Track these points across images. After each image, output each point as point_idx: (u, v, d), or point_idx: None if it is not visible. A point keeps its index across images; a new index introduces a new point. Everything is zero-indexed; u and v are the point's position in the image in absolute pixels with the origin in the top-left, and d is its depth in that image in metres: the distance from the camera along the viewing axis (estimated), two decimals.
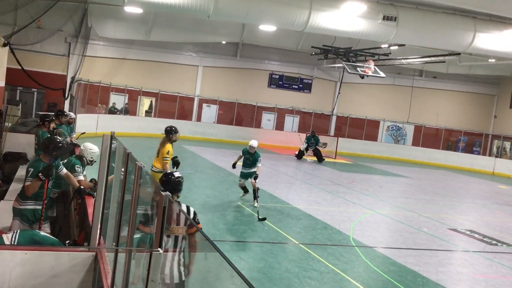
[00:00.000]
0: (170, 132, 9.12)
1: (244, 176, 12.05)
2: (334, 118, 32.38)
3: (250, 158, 11.84)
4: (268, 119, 31.35)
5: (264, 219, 10.31)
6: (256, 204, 11.37)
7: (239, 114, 30.54)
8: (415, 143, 32.74)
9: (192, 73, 29.99)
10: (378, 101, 32.94)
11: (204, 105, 30.36)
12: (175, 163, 8.87)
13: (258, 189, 11.54)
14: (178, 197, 5.06)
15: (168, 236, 3.83)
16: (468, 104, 33.94)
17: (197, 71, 30.02)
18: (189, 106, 30.07)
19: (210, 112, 30.36)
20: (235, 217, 10.32)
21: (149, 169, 8.70)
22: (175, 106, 29.46)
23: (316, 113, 31.95)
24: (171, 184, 4.95)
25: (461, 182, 23.14)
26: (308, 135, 25.11)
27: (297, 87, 31.66)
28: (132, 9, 19.38)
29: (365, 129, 32.29)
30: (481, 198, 18.53)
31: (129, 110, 28.02)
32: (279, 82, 31.29)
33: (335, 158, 26.32)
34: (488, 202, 17.54)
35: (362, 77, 22.98)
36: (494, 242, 10.77)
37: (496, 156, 32.15)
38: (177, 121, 28.27)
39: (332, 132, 32.00)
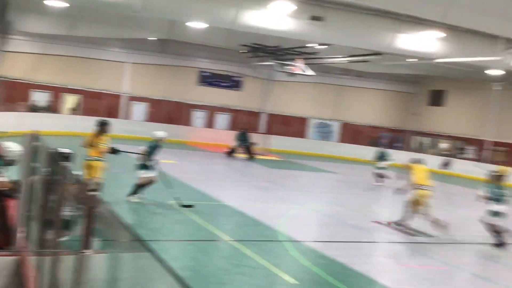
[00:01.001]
0: (104, 125, 10.25)
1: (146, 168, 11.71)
2: (264, 115, 32.71)
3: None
4: (198, 117, 31.16)
5: (190, 206, 10.72)
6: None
7: (169, 112, 30.12)
8: (342, 139, 33.79)
9: (119, 69, 29.20)
10: (306, 98, 33.64)
11: (133, 102, 29.67)
12: (114, 150, 10.14)
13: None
14: None
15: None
16: (390, 102, 35.45)
17: (125, 68, 29.27)
18: (116, 104, 29.27)
19: (140, 110, 29.72)
20: (165, 216, 10.18)
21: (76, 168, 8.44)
22: (101, 103, 28.57)
23: (247, 111, 32.14)
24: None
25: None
26: (238, 133, 25.22)
27: (227, 84, 31.67)
28: (55, 3, 18.59)
29: (294, 126, 32.88)
30: (403, 191, 19.40)
31: (53, 107, 26.85)
32: (209, 79, 31.16)
33: (265, 155, 26.60)
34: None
35: (291, 75, 23.39)
36: (415, 233, 11.33)
37: (416, 151, 33.79)
38: (103, 119, 27.43)
39: (263, 129, 32.33)
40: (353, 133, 34.09)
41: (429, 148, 34.72)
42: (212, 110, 31.42)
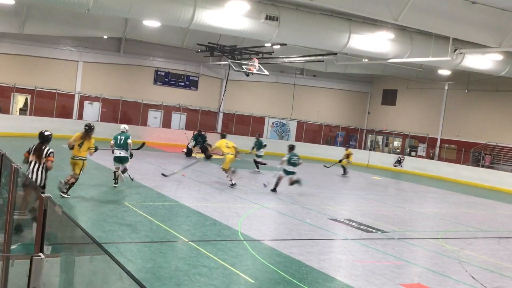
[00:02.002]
0: (91, 129, 11.55)
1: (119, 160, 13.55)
2: (221, 115, 32.68)
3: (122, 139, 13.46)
4: (154, 116, 30.81)
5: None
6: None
7: (124, 112, 29.63)
8: (298, 138, 34.19)
9: (72, 69, 28.49)
10: (263, 98, 33.84)
11: (86, 102, 29.02)
12: (96, 149, 11.68)
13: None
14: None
15: None
16: (345, 101, 36.15)
17: (77, 67, 28.59)
18: (69, 104, 28.55)
19: (92, 110, 29.10)
20: (121, 218, 10.03)
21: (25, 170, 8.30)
22: (54, 104, 27.80)
23: (203, 110, 32.02)
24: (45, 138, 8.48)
25: (339, 175, 24.57)
26: (195, 133, 25.11)
27: (183, 84, 31.46)
28: (1, 0, 17.96)
29: (251, 125, 33.01)
30: (358, 189, 19.86)
31: (2, 108, 25.93)
32: (165, 79, 30.87)
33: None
34: (364, 192, 18.83)
35: (247, 74, 23.43)
36: (369, 229, 11.62)
37: (370, 150, 34.62)
38: (56, 119, 26.74)
39: (219, 129, 32.29)
40: (309, 132, 34.55)
41: (383, 146, 35.59)
42: (168, 110, 31.13)
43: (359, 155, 32.35)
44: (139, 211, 10.68)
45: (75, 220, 2.95)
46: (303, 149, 31.36)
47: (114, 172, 13.49)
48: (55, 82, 27.79)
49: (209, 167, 21.29)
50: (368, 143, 36.34)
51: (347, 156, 24.34)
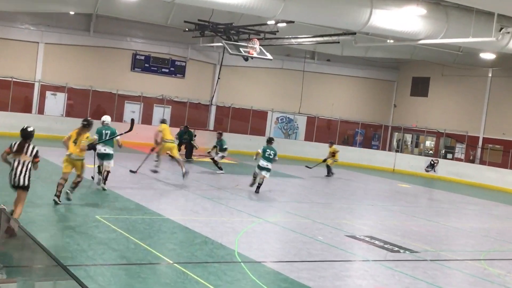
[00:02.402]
0: (90, 124, 12.44)
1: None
2: (213, 109, 32.69)
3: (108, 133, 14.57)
4: (132, 110, 30.82)
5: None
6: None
7: (95, 105, 29.66)
8: (308, 137, 34.21)
9: (31, 51, 28.51)
10: (265, 88, 33.85)
11: (48, 93, 29.04)
12: (93, 147, 12.72)
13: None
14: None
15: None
16: (366, 92, 36.16)
17: (38, 50, 28.60)
18: (28, 94, 28.57)
19: (56, 103, 29.10)
20: (92, 234, 10.03)
21: None
22: (9, 94, 27.80)
23: (192, 103, 32.03)
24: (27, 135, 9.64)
25: (359, 182, 24.58)
26: (180, 129, 25.12)
27: (167, 71, 31.47)
28: None
29: (250, 121, 33.02)
30: (381, 199, 19.86)
31: None
32: (145, 64, 30.88)
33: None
34: (388, 203, 18.84)
35: (246, 59, 23.44)
36: (395, 249, 11.62)
37: (397, 151, 34.64)
38: (12, 114, 26.76)
39: (211, 125, 32.30)
40: (322, 130, 34.56)
41: (412, 147, 35.59)
42: (149, 102, 31.15)
43: (382, 158, 32.37)
44: (114, 226, 10.68)
45: (35, 238, 2.96)
46: (314, 150, 31.38)
47: (99, 167, 14.91)
48: (10, 68, 27.78)
49: (198, 172, 21.30)
50: (394, 143, 36.34)
51: (333, 154, 24.48)
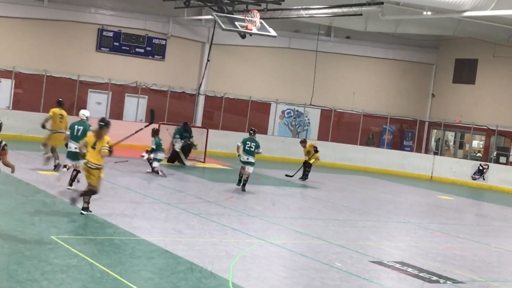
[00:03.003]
0: (108, 124, 13.39)
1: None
2: (201, 100, 32.64)
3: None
4: (98, 101, 30.78)
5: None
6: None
7: (50, 94, 29.60)
8: (323, 135, 34.13)
9: None
10: (267, 73, 33.79)
11: None
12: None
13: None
14: None
15: None
16: (396, 78, 36.08)
17: None
18: None
19: (1, 92, 29.05)
20: (46, 260, 9.98)
21: None
22: None
23: (174, 92, 31.98)
24: None
25: (387, 192, 24.50)
26: (179, 127, 25.09)
27: (143, 51, 31.41)
28: None
29: (249, 116, 32.94)
30: (416, 215, 19.79)
31: None
32: (114, 43, 30.82)
33: (204, 162, 26.54)
34: (425, 220, 18.76)
35: (243, 36, 23.40)
36: (434, 278, 11.55)
37: (435, 153, 34.57)
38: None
39: (199, 121, 32.25)
40: (340, 127, 34.50)
41: (455, 148, 35.50)
42: (119, 91, 31.11)
43: (417, 162, 32.31)
44: (74, 250, 10.62)
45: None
46: (330, 152, 31.34)
47: (74, 171, 15.83)
48: None
49: (183, 180, 21.24)
50: (432, 143, 36.30)
51: (308, 152, 24.14)
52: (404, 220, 18.25)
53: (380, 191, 24.60)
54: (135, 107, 31.21)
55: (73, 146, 15.80)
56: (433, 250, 14.16)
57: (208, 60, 30.82)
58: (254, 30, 21.58)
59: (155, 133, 21.60)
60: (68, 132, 16.15)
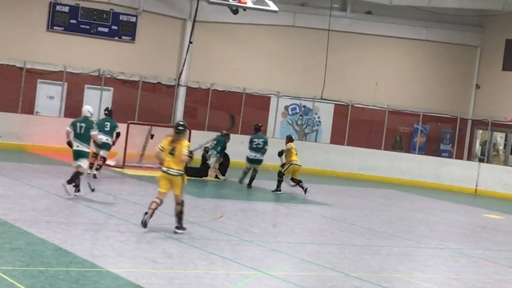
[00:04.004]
0: (186, 128, 15.26)
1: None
2: (182, 93, 32.63)
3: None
4: (50, 95, 30.78)
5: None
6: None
7: None
8: (337, 137, 34.10)
9: None
10: (266, 58, 33.81)
11: None
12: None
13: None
14: None
15: None
16: (430, 64, 36.12)
17: None
18: None
19: None
20: None
21: None
22: None
23: (147, 83, 31.97)
24: None
25: (419, 210, 24.52)
26: (220, 136, 25.59)
27: (107, 30, 31.41)
28: None
29: (242, 112, 32.95)
30: (456, 239, 19.79)
31: None
32: (70, 20, 30.81)
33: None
34: (467, 245, 18.76)
35: (235, 11, 23.39)
36: None
37: (481, 160, 34.54)
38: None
39: (179, 118, 32.22)
40: (359, 126, 34.50)
41: (506, 153, 35.49)
42: (76, 82, 31.09)
43: (457, 171, 32.31)
44: (19, 285, 10.61)
45: None
46: (346, 159, 31.35)
47: (77, 173, 17.82)
48: None
49: (152, 194, 21.20)
50: (477, 147, 36.29)
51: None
52: (441, 246, 18.23)
53: (410, 209, 24.62)
54: (97, 101, 31.11)
55: (75, 145, 17.88)
56: (478, 284, 14.15)
57: (190, 42, 30.84)
58: (249, 4, 21.62)
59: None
60: (69, 129, 18.03)
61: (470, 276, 14.96)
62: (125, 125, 25.55)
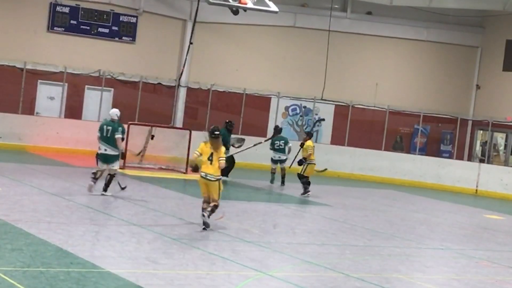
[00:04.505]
0: (220, 133, 16.11)
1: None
2: (182, 94, 32.61)
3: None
4: (50, 95, 30.76)
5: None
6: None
7: None
8: (338, 137, 34.07)
9: None
10: (266, 58, 33.78)
11: None
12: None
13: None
14: None
15: None
16: (430, 65, 36.09)
17: None
18: None
19: None
20: None
21: None
22: None
23: (148, 84, 31.94)
24: None
25: (420, 211, 24.50)
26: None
27: (107, 31, 31.39)
28: None
29: (243, 113, 32.92)
30: (457, 240, 19.77)
31: None
32: (71, 21, 30.79)
33: (185, 173, 26.50)
34: (468, 246, 18.72)
35: (235, 12, 23.39)
36: None
37: (481, 160, 34.50)
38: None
39: (179, 120, 32.23)
40: (360, 126, 34.47)
41: (506, 154, 35.47)
42: (77, 83, 31.07)
43: (458, 171, 32.29)
44: (20, 285, 10.59)
45: None
46: (347, 159, 31.33)
47: (94, 173, 18.73)
48: None
49: (159, 196, 21.22)
50: (477, 148, 36.24)
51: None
52: (442, 246, 18.22)
53: (411, 209, 24.63)
54: (97, 102, 31.13)
55: (102, 148, 18.67)
56: (479, 285, 14.13)
57: (190, 43, 30.73)
58: (250, 4, 21.60)
59: None
60: (98, 134, 18.85)
61: (471, 277, 14.94)
62: (126, 126, 25.49)
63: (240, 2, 21.56)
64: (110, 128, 18.71)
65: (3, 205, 16.05)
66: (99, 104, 31.13)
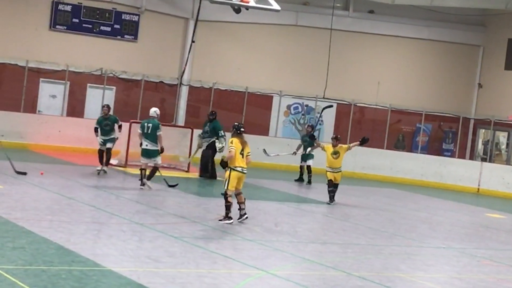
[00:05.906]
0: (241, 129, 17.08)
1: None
2: (184, 92, 32.57)
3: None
4: (52, 94, 30.74)
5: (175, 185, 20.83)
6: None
7: None
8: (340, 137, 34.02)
9: None
10: (268, 57, 33.74)
11: None
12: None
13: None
14: None
15: None
16: (432, 63, 36.05)
17: None
18: None
19: None
20: None
21: None
22: None
23: (150, 82, 31.92)
24: None
25: (422, 210, 24.49)
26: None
27: (109, 30, 31.37)
28: None
29: (245, 112, 32.89)
30: (458, 239, 19.75)
31: None
32: (73, 19, 30.77)
33: (187, 171, 26.49)
34: (470, 245, 18.71)
35: (237, 10, 23.37)
36: None
37: (483, 159, 34.45)
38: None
39: (181, 119, 32.21)
40: (362, 125, 34.45)
41: (509, 153, 35.42)
42: (79, 81, 31.05)
43: (460, 170, 32.26)
44: (21, 284, 10.59)
45: None
46: (349, 158, 31.12)
47: (141, 170, 20.77)
48: None
49: (160, 194, 21.20)
50: (479, 146, 36.20)
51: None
52: (444, 245, 18.19)
53: (413, 208, 24.58)
54: (99, 101, 31.11)
55: (144, 143, 20.60)
56: (481, 284, 14.12)
57: (192, 41, 30.77)
58: (252, 3, 21.58)
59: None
60: (139, 130, 20.91)
61: (473, 276, 14.94)
62: (128, 124, 25.49)
63: (242, 1, 21.57)
64: (150, 125, 20.58)
65: (5, 203, 16.06)
66: (101, 103, 31.08)
